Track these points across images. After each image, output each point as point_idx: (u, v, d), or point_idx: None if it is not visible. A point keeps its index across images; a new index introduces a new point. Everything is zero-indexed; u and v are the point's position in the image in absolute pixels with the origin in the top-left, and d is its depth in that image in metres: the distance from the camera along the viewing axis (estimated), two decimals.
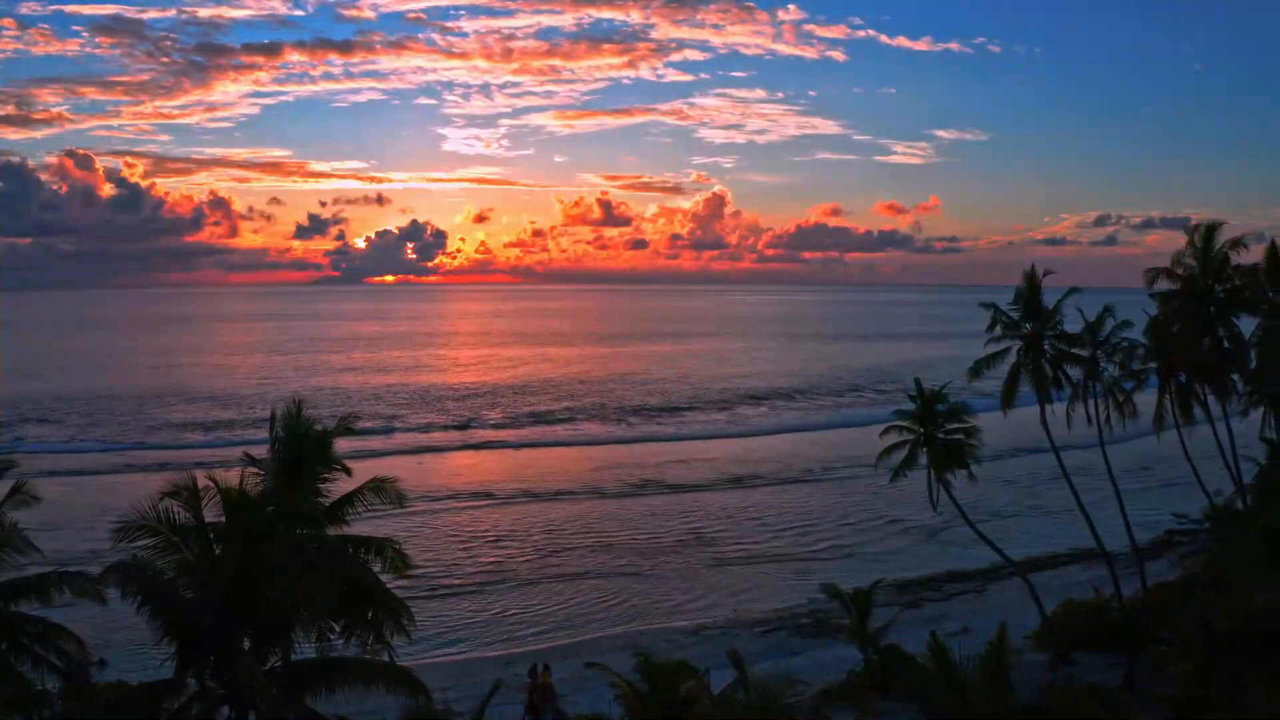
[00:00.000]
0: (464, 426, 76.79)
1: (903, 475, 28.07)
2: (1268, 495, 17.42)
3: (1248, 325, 31.48)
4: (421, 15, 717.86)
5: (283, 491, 18.16)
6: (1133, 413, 28.67)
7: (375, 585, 18.68)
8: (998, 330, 28.01)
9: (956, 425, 27.60)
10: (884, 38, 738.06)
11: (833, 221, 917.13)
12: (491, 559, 41.90)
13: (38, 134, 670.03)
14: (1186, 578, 26.95)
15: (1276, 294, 31.56)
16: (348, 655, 17.02)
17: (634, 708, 16.75)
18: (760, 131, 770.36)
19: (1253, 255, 31.28)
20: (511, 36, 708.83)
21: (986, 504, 47.73)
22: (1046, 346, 27.49)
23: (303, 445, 18.79)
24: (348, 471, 19.94)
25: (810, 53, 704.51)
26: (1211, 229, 29.24)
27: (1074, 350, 27.78)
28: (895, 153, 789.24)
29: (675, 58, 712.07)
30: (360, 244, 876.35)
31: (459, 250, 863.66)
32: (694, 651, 29.52)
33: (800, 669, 27.12)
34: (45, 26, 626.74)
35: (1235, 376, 31.51)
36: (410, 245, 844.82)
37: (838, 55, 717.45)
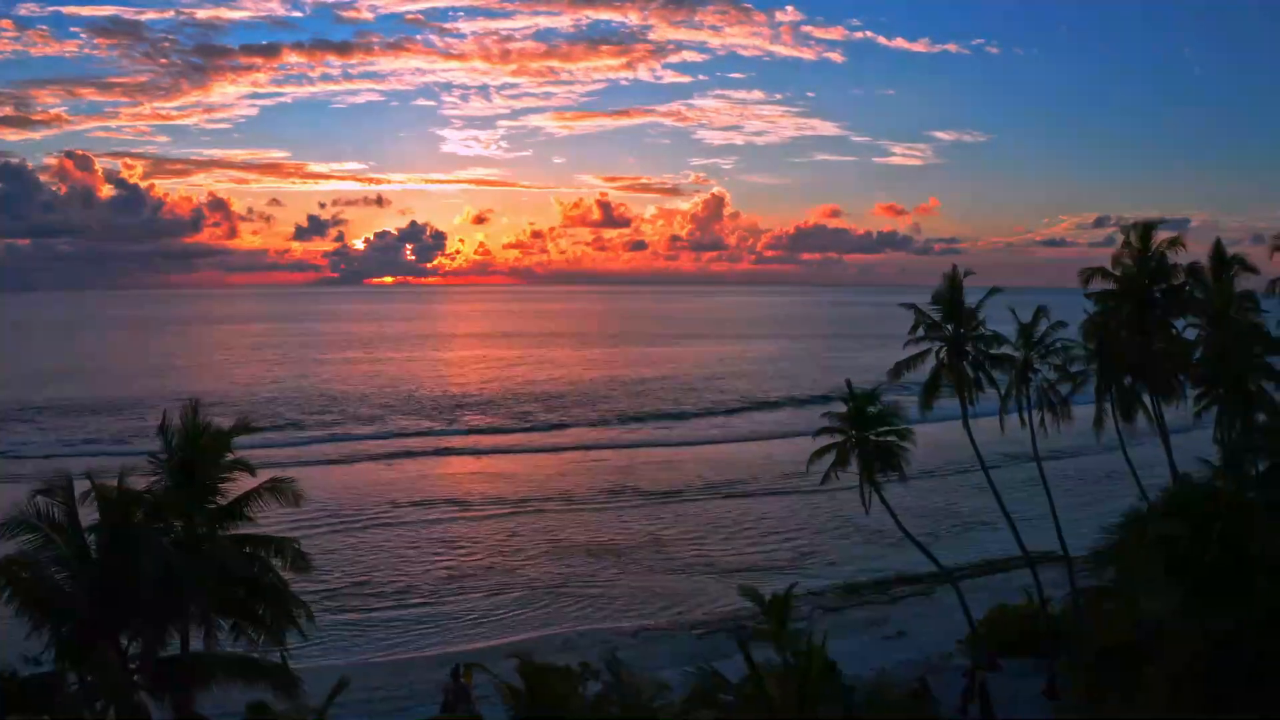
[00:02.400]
0: (435, 433, 76.93)
1: (834, 478, 28.26)
2: (1170, 501, 17.49)
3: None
4: (419, 17, 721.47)
5: (174, 492, 18.58)
6: (1067, 415, 28.74)
7: (271, 584, 19.02)
8: (921, 331, 28.10)
9: (888, 428, 27.76)
10: (882, 39, 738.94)
11: (831, 223, 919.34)
12: (446, 560, 42.23)
13: (36, 135, 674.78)
14: (1101, 586, 27.00)
15: (1221, 294, 31.57)
16: (223, 652, 17.26)
17: (514, 707, 17.03)
18: (759, 133, 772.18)
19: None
20: (510, 38, 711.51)
21: (954, 508, 47.91)
22: (968, 348, 27.58)
23: (197, 446, 19.18)
24: (251, 471, 20.34)
25: (808, 54, 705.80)
26: (1149, 228, 29.29)
27: (994, 351, 27.84)
28: (894, 154, 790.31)
29: (673, 59, 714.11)
30: (359, 245, 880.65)
31: (458, 251, 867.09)
32: (628, 653, 29.75)
33: (723, 673, 27.25)
34: (43, 28, 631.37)
35: (1183, 378, 31.53)
36: (409, 246, 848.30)
37: (836, 57, 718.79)
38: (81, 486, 16.68)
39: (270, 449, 68.29)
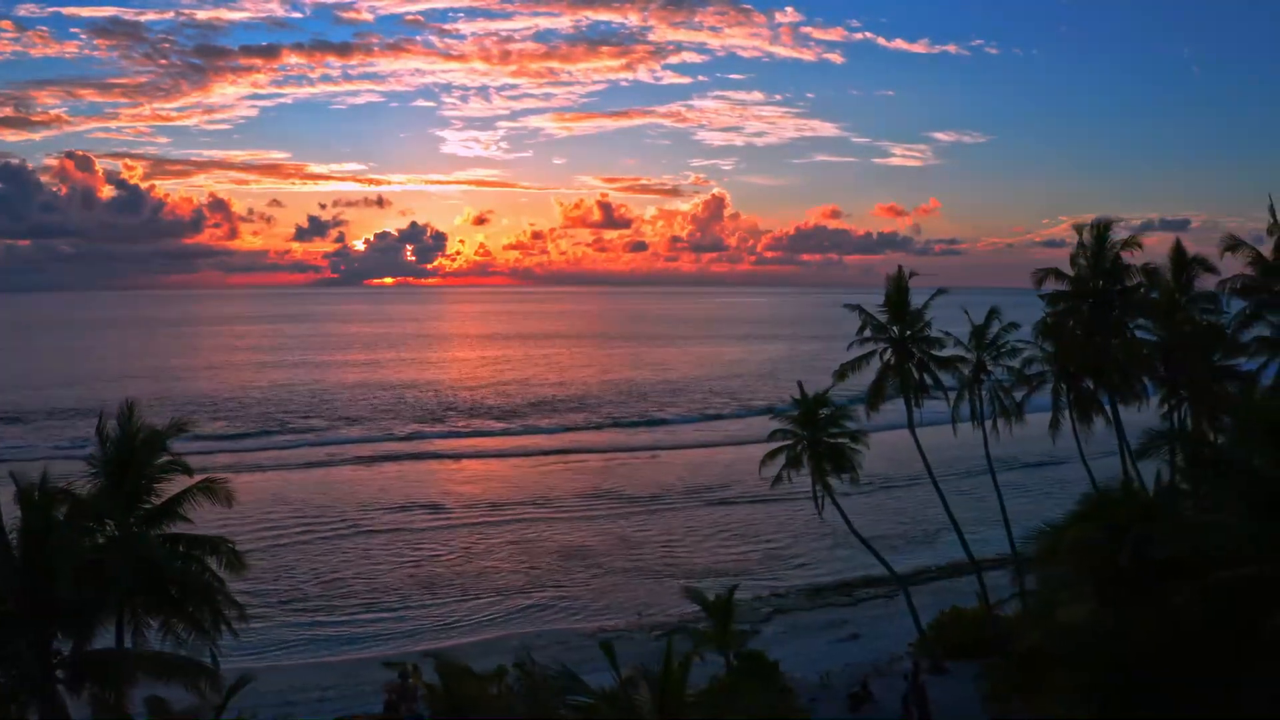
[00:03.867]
0: (419, 436, 77.18)
1: (786, 480, 28.51)
2: (1087, 506, 17.70)
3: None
4: (419, 18, 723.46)
5: (106, 491, 18.98)
6: (1019, 418, 28.92)
7: (200, 583, 19.40)
8: (867, 332, 28.33)
9: (839, 430, 28.00)
10: (881, 40, 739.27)
11: (832, 224, 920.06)
12: (418, 562, 42.60)
13: (36, 136, 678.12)
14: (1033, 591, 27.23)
15: (1181, 294, 31.71)
16: (146, 650, 17.63)
17: (435, 706, 17.41)
18: (759, 134, 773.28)
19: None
20: (509, 39, 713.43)
21: (925, 512, 48.06)
22: (914, 350, 27.81)
23: (133, 447, 19.58)
24: (188, 471, 20.75)
25: (808, 55, 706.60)
26: (1106, 227, 29.37)
27: (938, 354, 28.05)
28: (893, 155, 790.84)
29: (673, 60, 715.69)
30: (359, 246, 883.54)
31: (458, 252, 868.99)
32: (580, 654, 30.20)
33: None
34: (43, 28, 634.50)
35: (1147, 380, 31.67)
36: (409, 247, 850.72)
37: (835, 58, 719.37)
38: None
39: (254, 452, 69.10)
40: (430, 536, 46.91)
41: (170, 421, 20.45)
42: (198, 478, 20.14)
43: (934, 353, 28.09)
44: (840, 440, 28.19)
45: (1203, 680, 14.09)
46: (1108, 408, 30.44)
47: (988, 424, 28.94)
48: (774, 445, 28.55)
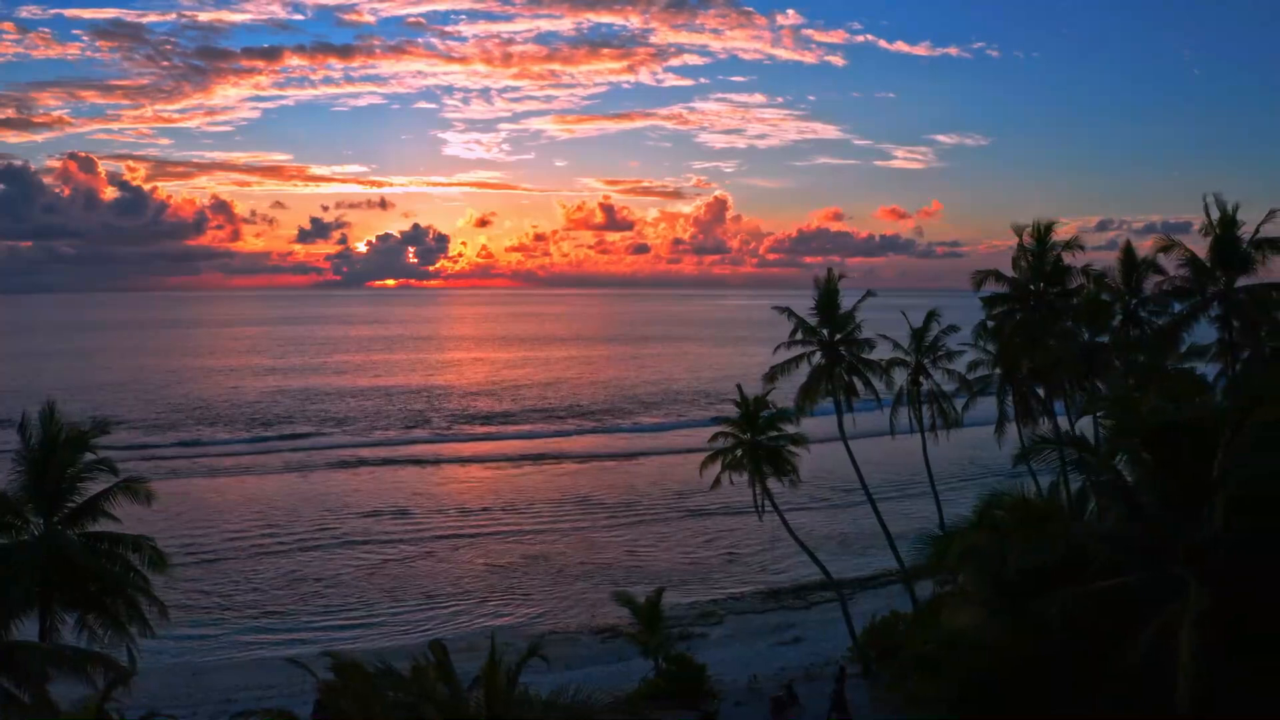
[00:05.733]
0: (396, 442, 77.72)
1: (729, 482, 28.93)
2: (979, 512, 18.06)
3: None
4: (421, 20, 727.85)
5: (28, 488, 19.60)
6: (956, 422, 29.26)
7: (119, 580, 19.98)
8: (799, 335, 28.71)
9: (778, 433, 28.38)
10: (883, 43, 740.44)
11: (834, 226, 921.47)
12: (383, 565, 43.14)
13: (38, 137, 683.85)
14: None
15: (1131, 296, 32.02)
16: (54, 645, 18.18)
17: (329, 703, 17.87)
18: (760, 136, 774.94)
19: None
20: (511, 41, 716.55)
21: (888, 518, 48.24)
22: (844, 352, 28.19)
23: (54, 446, 20.18)
24: (114, 471, 21.36)
25: (809, 58, 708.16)
26: (1047, 228, 29.65)
27: (867, 356, 28.43)
28: (895, 157, 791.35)
29: (674, 62, 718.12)
30: (362, 248, 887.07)
31: (460, 254, 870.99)
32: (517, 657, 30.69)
33: (612, 676, 28.00)
34: (45, 30, 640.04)
35: (1098, 383, 31.95)
36: (412, 249, 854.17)
37: (837, 60, 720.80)
38: None
39: (232, 457, 69.82)
40: (396, 541, 47.46)
41: (92, 423, 21.06)
42: (123, 477, 20.78)
43: (863, 355, 28.44)
44: (780, 443, 28.57)
45: (1060, 695, 14.33)
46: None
47: (927, 430, 29.24)
48: (713, 448, 28.93)
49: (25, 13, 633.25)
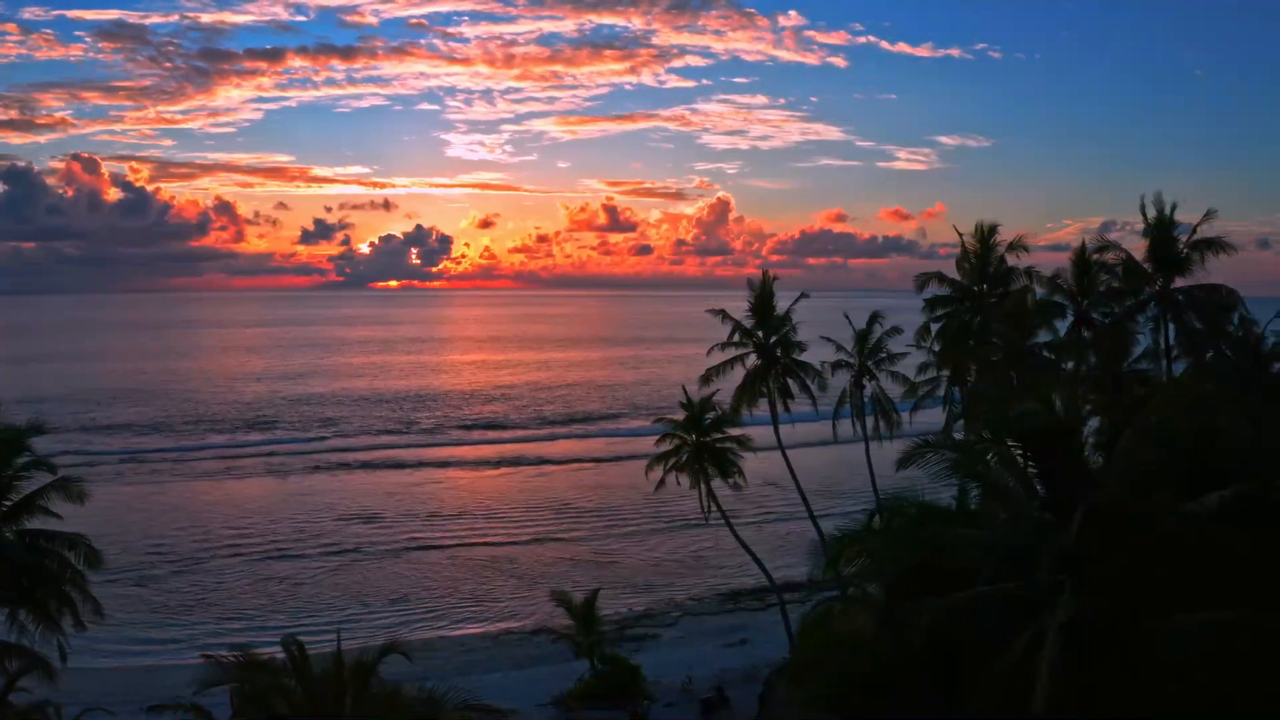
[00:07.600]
0: (380, 447, 78.29)
1: (676, 482, 29.30)
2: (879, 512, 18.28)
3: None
4: (423, 21, 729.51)
5: None
6: (898, 424, 29.54)
7: (49, 575, 20.56)
8: (736, 337, 29.05)
9: (722, 435, 28.75)
10: (885, 44, 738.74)
11: (837, 228, 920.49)
12: (350, 569, 43.72)
13: (41, 138, 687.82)
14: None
15: (1084, 297, 32.16)
16: None
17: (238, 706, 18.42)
18: (763, 137, 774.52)
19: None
20: (513, 42, 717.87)
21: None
22: (779, 354, 28.52)
23: None
24: (51, 469, 21.97)
25: (811, 59, 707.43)
26: (990, 229, 29.90)
27: (800, 358, 28.77)
28: (898, 159, 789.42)
29: (677, 64, 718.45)
30: (365, 249, 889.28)
31: (463, 256, 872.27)
32: (475, 656, 31.45)
33: (555, 676, 28.48)
34: (48, 31, 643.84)
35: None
36: (415, 250, 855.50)
37: (839, 61, 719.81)
38: None
39: (212, 461, 70.57)
40: (365, 545, 47.90)
41: (28, 422, 21.64)
42: (60, 474, 21.40)
43: (796, 357, 28.79)
44: (726, 445, 28.93)
45: (930, 699, 14.54)
46: None
47: (869, 433, 29.51)
48: (660, 450, 29.30)
49: (28, 14, 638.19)
